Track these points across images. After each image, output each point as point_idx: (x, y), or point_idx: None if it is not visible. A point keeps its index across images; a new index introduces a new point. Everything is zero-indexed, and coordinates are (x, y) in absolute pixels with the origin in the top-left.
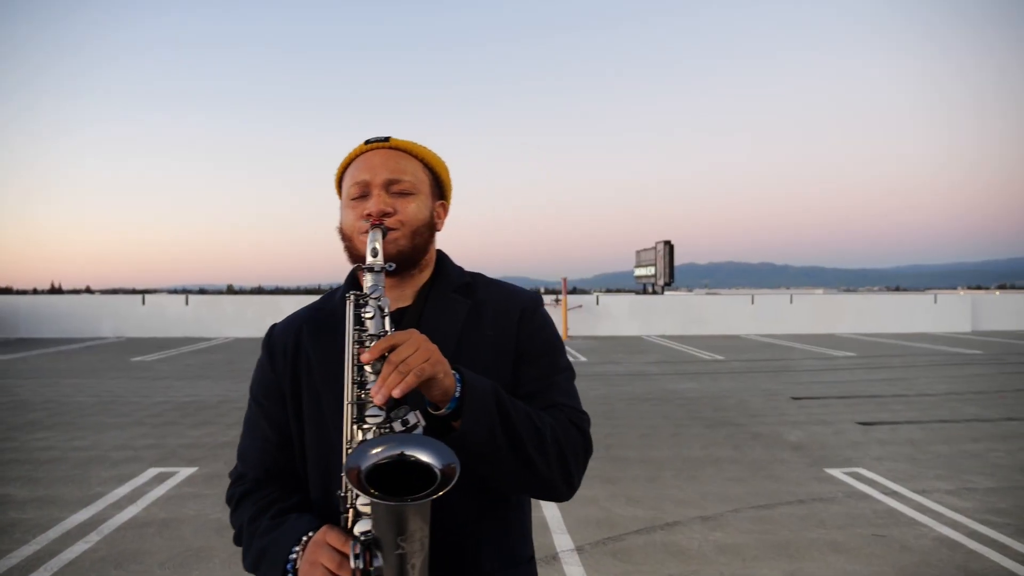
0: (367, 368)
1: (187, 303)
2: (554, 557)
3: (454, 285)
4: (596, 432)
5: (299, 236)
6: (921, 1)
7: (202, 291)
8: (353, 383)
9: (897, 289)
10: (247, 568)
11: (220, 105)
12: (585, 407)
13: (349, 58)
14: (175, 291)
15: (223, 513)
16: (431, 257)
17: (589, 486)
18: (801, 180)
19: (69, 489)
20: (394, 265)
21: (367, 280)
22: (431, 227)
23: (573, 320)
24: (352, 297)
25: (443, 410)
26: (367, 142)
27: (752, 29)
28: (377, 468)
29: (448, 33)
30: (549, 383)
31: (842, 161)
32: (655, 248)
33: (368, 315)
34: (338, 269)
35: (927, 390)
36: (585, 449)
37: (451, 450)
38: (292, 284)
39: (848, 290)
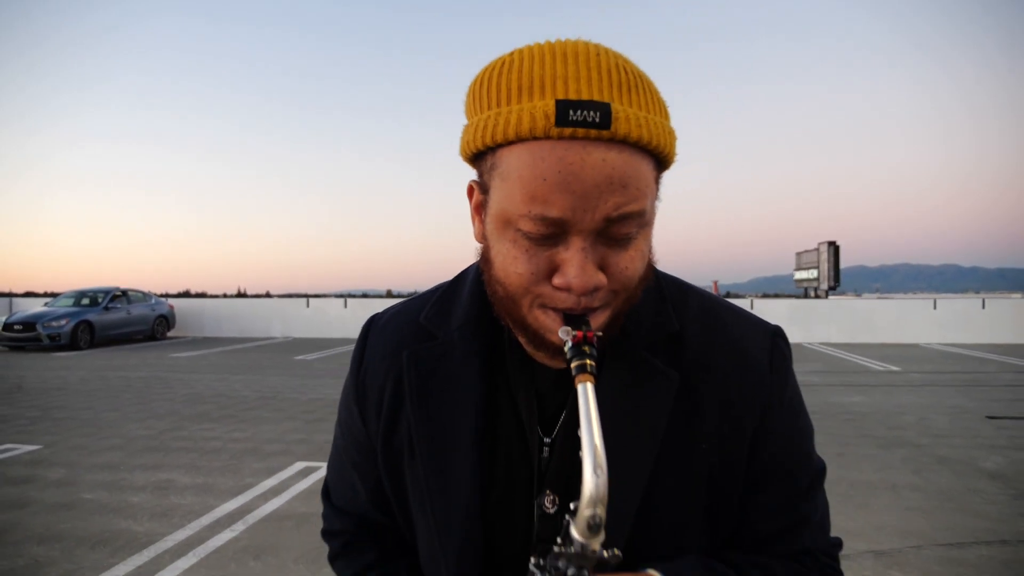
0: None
1: (345, 306)
2: None
3: (652, 338)
4: None
5: (455, 238)
6: None
7: (364, 295)
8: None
9: None
10: None
11: (396, 111)
12: None
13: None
14: (339, 295)
15: None
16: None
17: None
18: (989, 171)
19: (224, 478)
20: (618, 555)
21: (575, 538)
22: (647, 276)
23: None
24: (537, 570)
25: None
26: (564, 117)
27: (929, 18)
28: None
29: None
30: (798, 518)
31: None
32: (817, 249)
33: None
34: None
35: None
36: None
37: None
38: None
39: None
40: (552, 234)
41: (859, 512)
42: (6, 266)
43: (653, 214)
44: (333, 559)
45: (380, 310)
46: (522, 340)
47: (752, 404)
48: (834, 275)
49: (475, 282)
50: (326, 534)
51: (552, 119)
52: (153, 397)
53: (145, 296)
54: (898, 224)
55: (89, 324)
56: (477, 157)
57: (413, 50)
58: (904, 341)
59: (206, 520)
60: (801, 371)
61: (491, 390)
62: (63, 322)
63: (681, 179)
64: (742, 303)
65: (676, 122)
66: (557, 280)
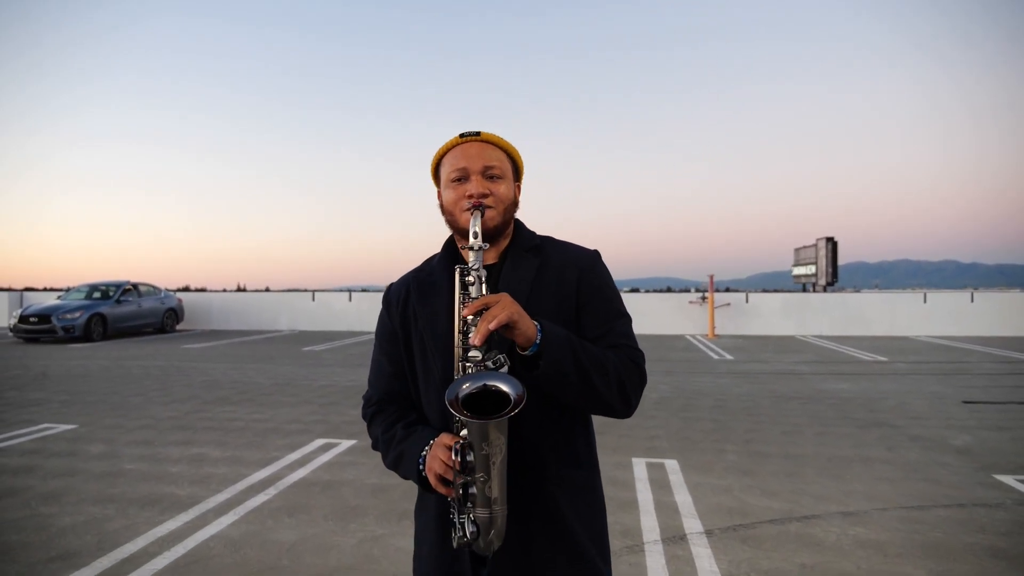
0: (468, 319)
1: (350, 300)
2: (681, 538)
3: (527, 246)
4: (737, 428)
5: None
6: None
7: (364, 290)
8: (459, 332)
9: None
10: (388, 466)
11: (393, 109)
12: (726, 405)
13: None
14: (341, 290)
15: (379, 478)
16: (512, 226)
17: (722, 476)
18: (989, 168)
19: (252, 452)
20: (488, 245)
21: (470, 257)
22: (515, 204)
23: (720, 318)
24: (459, 270)
25: (527, 352)
26: (462, 136)
27: (925, 21)
28: (470, 396)
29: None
30: (609, 328)
31: None
32: (815, 245)
33: (471, 282)
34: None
35: None
36: (640, 379)
37: (521, 383)
38: None
39: None
40: (462, 176)
41: (833, 481)
42: (11, 263)
43: (511, 179)
44: (370, 420)
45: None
46: (460, 243)
47: (573, 269)
48: (832, 271)
49: (445, 245)
50: (364, 408)
51: (457, 139)
52: (173, 384)
53: (155, 290)
54: (898, 220)
55: (102, 316)
56: (435, 173)
57: (414, 49)
58: (895, 334)
59: (241, 486)
60: (792, 361)
61: (453, 284)
62: (77, 314)
63: (682, 177)
64: (735, 297)
65: (679, 120)
66: (466, 192)
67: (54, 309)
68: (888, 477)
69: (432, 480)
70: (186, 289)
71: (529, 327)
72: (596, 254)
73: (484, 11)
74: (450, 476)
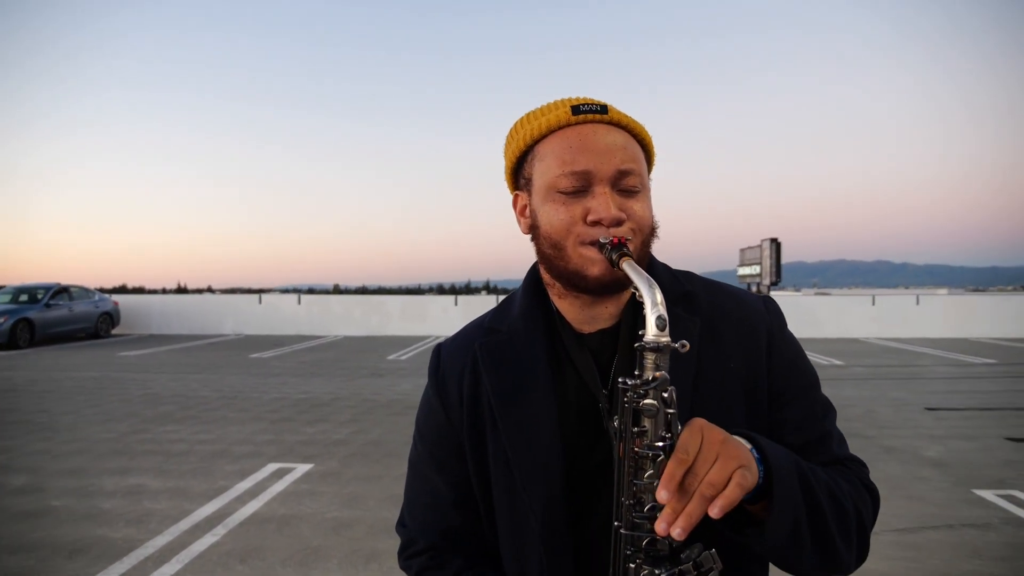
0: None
1: (299, 302)
2: None
3: (673, 296)
4: None
5: (402, 237)
6: None
7: (311, 290)
8: (624, 502)
9: None
10: None
11: (330, 105)
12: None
13: (466, 59)
14: (286, 290)
15: (339, 512)
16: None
17: None
18: (921, 171)
19: (197, 481)
20: (687, 346)
21: (648, 363)
22: (655, 230)
23: None
24: (621, 387)
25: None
26: (577, 110)
27: (857, 27)
28: None
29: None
30: (821, 433)
31: (966, 150)
32: (760, 246)
33: (649, 410)
34: (441, 271)
35: None
36: (875, 513)
37: None
38: (394, 284)
39: (977, 290)
40: (582, 185)
41: None
42: None
43: (649, 188)
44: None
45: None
46: (567, 290)
47: (758, 333)
48: (776, 271)
49: (527, 285)
50: (408, 559)
51: (569, 112)
52: (109, 398)
53: (88, 292)
54: (835, 222)
55: (29, 322)
56: (517, 169)
57: (365, 46)
58: (846, 336)
59: (184, 525)
60: None
61: (556, 360)
62: (1, 320)
63: None
64: None
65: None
66: (591, 217)
67: None
68: None
69: None
70: (122, 289)
71: (746, 454)
72: (773, 303)
73: (456, 9)
74: None
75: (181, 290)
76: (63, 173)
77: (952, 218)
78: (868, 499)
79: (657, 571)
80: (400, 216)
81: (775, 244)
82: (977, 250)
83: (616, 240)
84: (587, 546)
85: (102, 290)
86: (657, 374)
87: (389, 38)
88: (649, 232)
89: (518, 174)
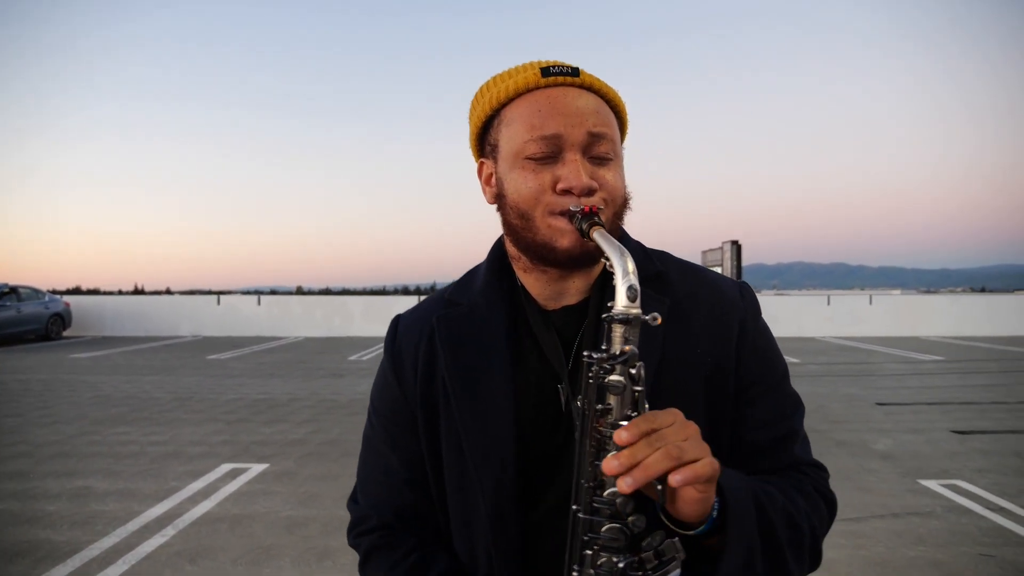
0: (603, 446)
1: (259, 303)
2: None
3: (645, 275)
4: None
5: (366, 239)
6: None
7: (273, 292)
8: (580, 463)
9: (983, 290)
10: None
11: (289, 107)
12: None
13: (405, 60)
14: (248, 292)
15: (293, 511)
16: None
17: None
18: (877, 177)
19: (147, 483)
20: (659, 318)
21: (615, 337)
22: (627, 201)
23: None
24: (585, 361)
25: (694, 532)
26: (547, 72)
27: (824, 32)
28: None
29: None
30: (787, 431)
31: (920, 156)
32: (722, 248)
33: (615, 386)
34: (407, 274)
35: None
36: (831, 521)
37: None
38: (358, 286)
39: (929, 291)
40: (551, 152)
41: None
42: None
43: (621, 157)
44: (367, 557)
45: (402, 311)
46: (534, 263)
47: (730, 320)
48: (737, 273)
49: (491, 258)
50: (359, 536)
51: (538, 75)
52: (57, 401)
53: (38, 293)
54: (794, 224)
55: None
56: (482, 134)
57: (328, 45)
58: (802, 335)
59: (132, 526)
60: None
61: (516, 337)
62: None
63: None
64: None
65: None
66: (560, 185)
67: None
68: None
69: None
70: (77, 291)
71: (712, 490)
72: (749, 289)
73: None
74: None
75: (138, 292)
76: (13, 172)
77: (906, 222)
78: (824, 511)
79: (615, 559)
80: (366, 218)
81: (736, 246)
82: (929, 253)
83: (587, 209)
84: (538, 530)
85: (55, 292)
86: (626, 348)
87: (356, 38)
88: (622, 203)
89: (483, 140)
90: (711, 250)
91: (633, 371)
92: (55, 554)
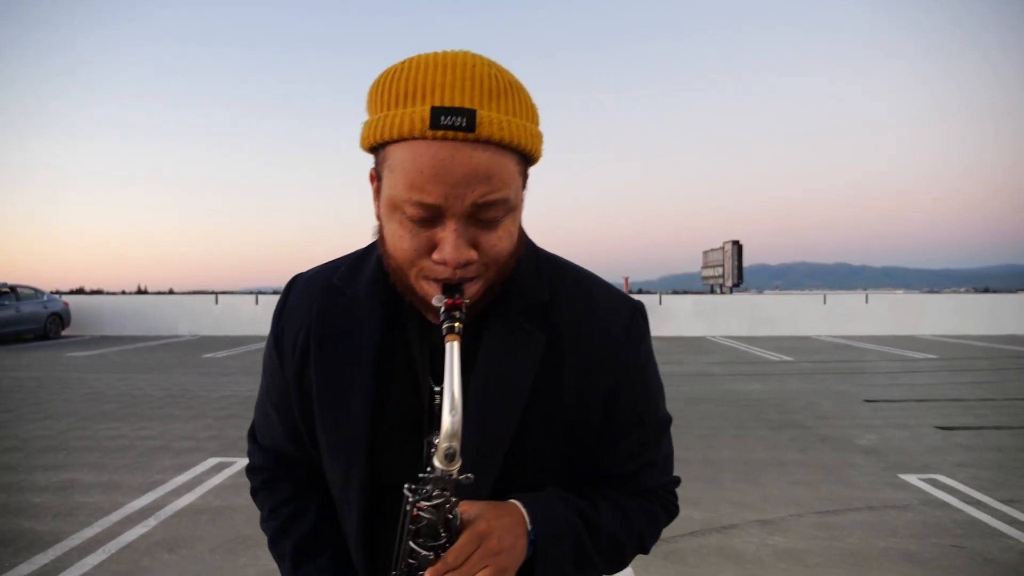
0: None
1: (257, 303)
2: None
3: (526, 303)
4: None
5: (367, 238)
6: None
7: (275, 292)
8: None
9: (986, 290)
10: None
11: (289, 107)
12: None
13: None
14: (249, 292)
15: None
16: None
17: None
18: (879, 177)
19: (133, 476)
20: (471, 478)
21: (436, 465)
22: (518, 251)
23: None
24: (410, 494)
25: None
26: (436, 122)
27: (824, 32)
28: None
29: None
30: (644, 463)
31: (922, 156)
32: (723, 248)
33: (426, 513)
34: None
35: (1017, 394)
36: (666, 525)
37: None
38: None
39: (931, 291)
40: (430, 217)
41: (750, 487)
42: None
43: (519, 201)
44: (254, 493)
45: (304, 270)
46: (415, 303)
47: (607, 366)
48: (738, 273)
49: (380, 260)
50: (250, 470)
51: (427, 123)
52: (49, 397)
53: (36, 293)
54: (796, 224)
55: None
56: (373, 150)
57: (329, 46)
58: (798, 334)
59: (115, 517)
60: (704, 362)
61: (389, 342)
62: None
63: (593, 178)
64: (649, 299)
65: (586, 121)
66: (436, 256)
67: None
68: (802, 480)
69: None
70: (80, 291)
71: (519, 548)
72: (641, 317)
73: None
74: None
75: (141, 292)
76: (14, 172)
77: (908, 222)
78: (663, 523)
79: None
80: (364, 219)
81: (736, 246)
82: (931, 253)
83: (450, 302)
84: (383, 516)
85: (58, 292)
86: (443, 493)
87: (356, 38)
88: (507, 259)
89: (375, 153)
90: (712, 250)
91: (451, 510)
92: (37, 543)
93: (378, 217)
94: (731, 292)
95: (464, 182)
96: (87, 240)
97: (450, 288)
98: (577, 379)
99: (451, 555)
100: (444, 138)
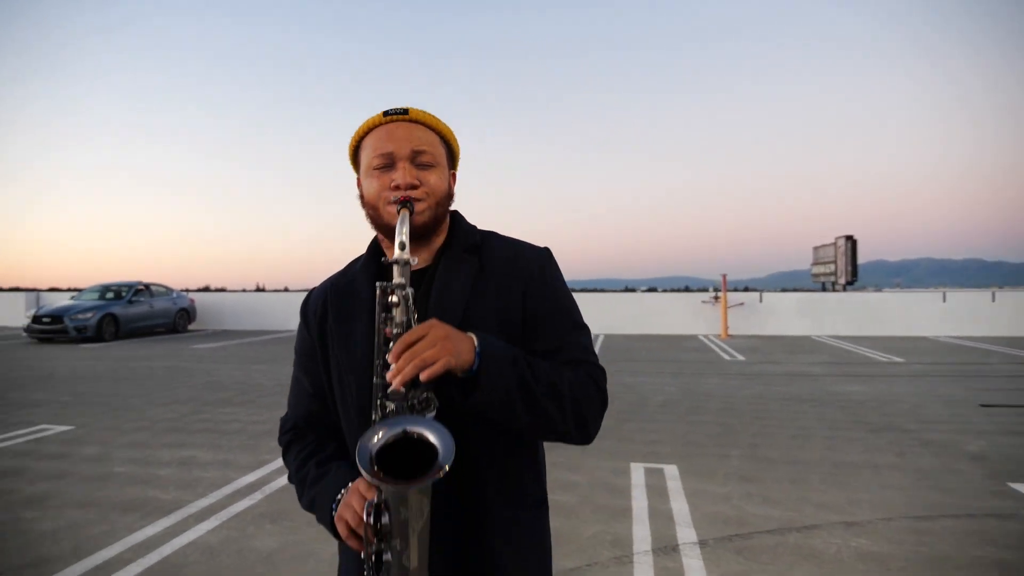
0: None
1: None
2: (674, 548)
3: (464, 245)
4: (743, 432)
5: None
6: None
7: None
8: (378, 359)
9: None
10: (303, 507)
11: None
12: (734, 407)
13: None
14: None
15: None
16: (447, 221)
17: (723, 483)
18: (1012, 164)
19: (244, 455)
20: (415, 260)
21: (395, 274)
22: (450, 196)
23: (733, 318)
24: (380, 288)
25: (463, 375)
26: (386, 114)
27: (961, 19)
28: (386, 447)
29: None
30: (564, 342)
31: None
32: (835, 244)
33: (395, 303)
34: None
35: None
36: (601, 401)
37: (450, 435)
38: None
39: None
40: (388, 164)
41: (838, 489)
42: (29, 263)
43: (445, 166)
44: (287, 447)
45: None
46: (386, 244)
47: (520, 274)
48: (852, 269)
49: (369, 246)
50: (281, 435)
51: (380, 117)
52: (176, 384)
53: (167, 290)
54: (919, 218)
55: (114, 317)
56: (354, 157)
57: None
58: (913, 334)
59: (227, 490)
60: (805, 362)
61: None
62: (89, 315)
63: (699, 176)
64: (750, 297)
65: (700, 117)
66: (392, 183)
67: (66, 310)
68: (897, 485)
69: (342, 531)
70: (206, 289)
71: (465, 348)
72: (547, 253)
73: (465, 9)
74: (362, 531)
75: (259, 290)
76: (152, 179)
77: None
78: (593, 390)
79: (392, 404)
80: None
81: (850, 241)
82: None
83: (403, 197)
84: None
85: (186, 290)
86: (401, 280)
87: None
88: (443, 196)
89: (356, 161)
90: (823, 246)
91: (407, 297)
92: (161, 509)
93: (361, 199)
94: (844, 290)
95: (406, 139)
96: (211, 244)
97: (404, 202)
98: (499, 287)
99: (408, 335)
100: (391, 121)
